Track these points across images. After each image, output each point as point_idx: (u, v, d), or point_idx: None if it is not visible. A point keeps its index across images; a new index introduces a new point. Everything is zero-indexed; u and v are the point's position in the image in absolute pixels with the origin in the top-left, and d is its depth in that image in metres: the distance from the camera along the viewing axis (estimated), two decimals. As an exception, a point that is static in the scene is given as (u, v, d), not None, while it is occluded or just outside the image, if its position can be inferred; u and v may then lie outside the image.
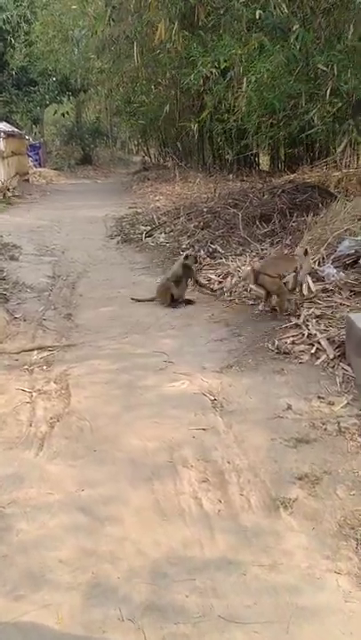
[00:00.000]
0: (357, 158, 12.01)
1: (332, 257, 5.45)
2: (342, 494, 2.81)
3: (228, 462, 3.13)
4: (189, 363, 4.38)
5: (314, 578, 2.33)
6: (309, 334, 4.50)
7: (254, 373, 4.10)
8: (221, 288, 5.89)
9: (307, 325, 4.65)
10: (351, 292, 5.11)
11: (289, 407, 3.56)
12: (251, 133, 10.26)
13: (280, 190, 8.82)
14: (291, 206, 8.00)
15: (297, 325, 4.71)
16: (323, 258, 5.52)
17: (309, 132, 7.83)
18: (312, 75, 7.20)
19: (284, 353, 4.30)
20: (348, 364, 4.03)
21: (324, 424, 3.36)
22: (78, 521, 2.70)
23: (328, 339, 4.34)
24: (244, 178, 12.75)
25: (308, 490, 2.85)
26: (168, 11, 8.86)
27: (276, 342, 4.47)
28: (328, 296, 5.12)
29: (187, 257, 5.80)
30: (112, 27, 11.46)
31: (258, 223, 7.72)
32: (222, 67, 7.96)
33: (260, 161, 15.01)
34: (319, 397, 3.65)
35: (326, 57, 6.70)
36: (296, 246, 6.40)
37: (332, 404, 3.56)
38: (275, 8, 7.23)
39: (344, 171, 11.06)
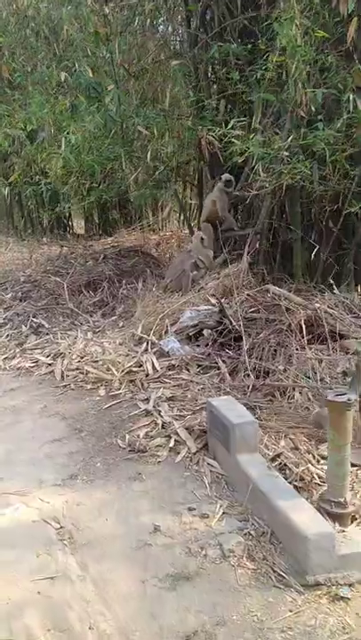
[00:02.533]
0: (171, 222, 12.04)
1: (174, 328, 4.97)
2: (247, 655, 2.17)
3: (90, 627, 2.33)
4: (22, 476, 3.49)
5: None
6: (164, 423, 3.89)
7: (106, 483, 3.35)
8: (52, 372, 5.06)
9: (159, 412, 4.03)
10: (199, 366, 4.65)
11: (156, 529, 2.86)
12: (66, 197, 9.72)
13: (102, 256, 8.30)
14: (118, 273, 7.50)
15: (148, 412, 4.08)
16: (166, 330, 5.01)
17: (132, 194, 7.48)
18: (131, 137, 6.91)
19: (139, 451, 3.61)
20: (214, 458, 3.48)
21: (203, 548, 2.72)
22: None
23: (186, 428, 3.76)
24: (60, 242, 12.10)
25: (202, 657, 2.17)
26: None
27: (128, 437, 3.78)
28: (176, 373, 4.59)
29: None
30: None
31: (85, 292, 7.06)
32: (30, 128, 7.39)
33: (75, 224, 14.54)
34: (190, 509, 3.00)
35: (144, 119, 6.46)
36: (131, 316, 5.90)
37: (207, 517, 2.94)
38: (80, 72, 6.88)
39: (161, 234, 10.98)
